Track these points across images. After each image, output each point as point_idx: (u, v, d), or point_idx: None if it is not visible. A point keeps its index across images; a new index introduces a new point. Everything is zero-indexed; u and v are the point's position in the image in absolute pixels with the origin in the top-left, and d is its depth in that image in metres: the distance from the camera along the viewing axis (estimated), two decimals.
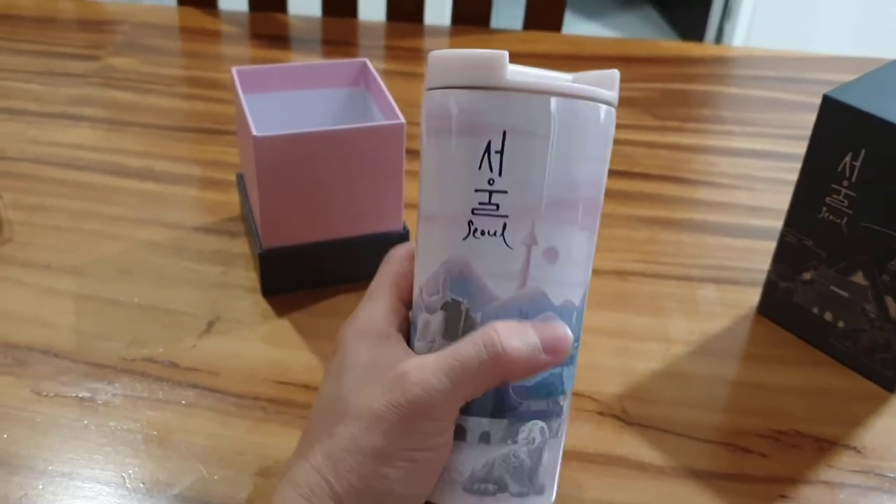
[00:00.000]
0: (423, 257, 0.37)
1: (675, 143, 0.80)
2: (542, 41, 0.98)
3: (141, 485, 0.46)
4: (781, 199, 0.72)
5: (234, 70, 0.60)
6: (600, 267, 0.64)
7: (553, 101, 0.33)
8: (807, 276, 0.56)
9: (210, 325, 0.57)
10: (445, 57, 0.35)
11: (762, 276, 0.61)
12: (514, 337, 0.34)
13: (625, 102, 0.86)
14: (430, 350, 0.36)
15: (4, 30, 0.94)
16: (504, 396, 0.35)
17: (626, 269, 0.64)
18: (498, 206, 0.34)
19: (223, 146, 0.75)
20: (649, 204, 0.71)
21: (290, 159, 0.54)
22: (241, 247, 0.64)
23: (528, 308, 0.35)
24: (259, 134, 0.53)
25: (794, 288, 0.58)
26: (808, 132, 0.82)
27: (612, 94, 0.36)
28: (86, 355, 0.54)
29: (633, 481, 0.48)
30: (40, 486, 0.45)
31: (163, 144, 0.75)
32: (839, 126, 0.51)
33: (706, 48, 1.03)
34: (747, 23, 2.64)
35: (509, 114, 0.34)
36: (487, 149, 0.34)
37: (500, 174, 0.34)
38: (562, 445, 0.38)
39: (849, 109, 0.51)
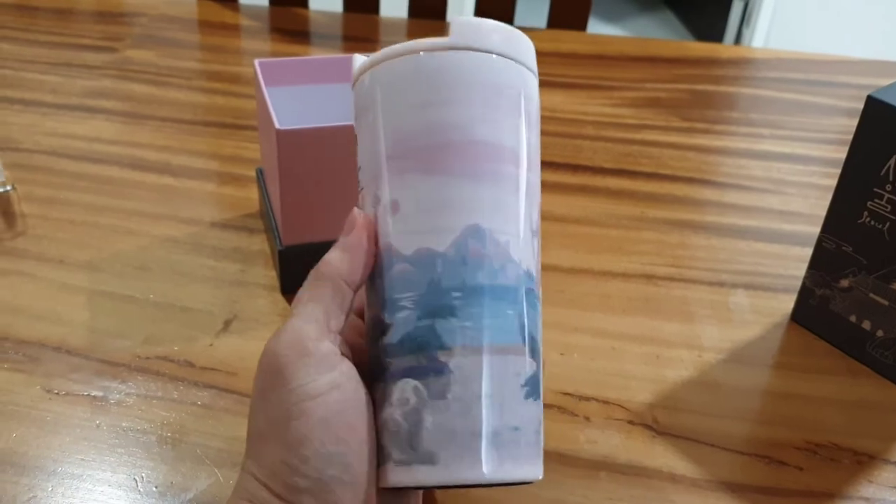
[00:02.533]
0: None
1: (703, 145, 0.78)
2: (567, 40, 0.96)
3: (154, 488, 0.44)
4: (814, 204, 0.70)
5: (256, 62, 0.58)
6: (629, 271, 0.62)
7: (366, 76, 0.37)
8: (845, 283, 0.54)
9: (227, 323, 0.55)
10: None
11: (795, 283, 0.59)
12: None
13: (651, 103, 0.84)
14: None
15: (21, 21, 0.93)
16: (376, 360, 0.35)
17: (657, 273, 0.62)
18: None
19: (242, 141, 0.74)
20: (678, 207, 0.69)
21: (313, 154, 0.53)
22: (260, 244, 0.62)
23: (381, 264, 0.35)
24: (282, 127, 0.51)
25: (830, 295, 0.55)
26: (840, 136, 0.80)
27: (437, 42, 0.35)
28: (99, 353, 0.52)
29: (665, 493, 0.46)
30: (50, 488, 0.44)
31: (181, 138, 0.74)
32: (883, 128, 0.49)
33: (733, 49, 1.01)
34: (766, 27, 2.62)
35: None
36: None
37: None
38: (466, 411, 0.33)
39: (894, 111, 0.49)
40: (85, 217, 0.64)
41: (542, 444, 0.35)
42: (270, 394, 0.33)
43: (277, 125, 0.51)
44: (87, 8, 0.98)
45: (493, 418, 0.33)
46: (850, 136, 0.52)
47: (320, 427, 0.32)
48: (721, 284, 0.61)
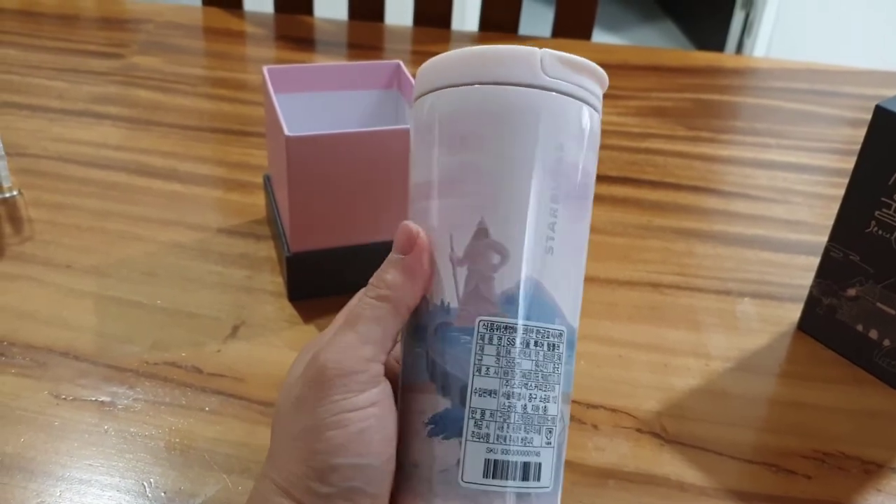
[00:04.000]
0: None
1: (709, 154, 0.78)
2: (572, 49, 0.95)
3: (162, 494, 0.44)
4: (820, 214, 0.70)
5: (265, 69, 0.58)
6: (635, 279, 0.62)
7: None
8: (852, 292, 0.54)
9: (235, 329, 0.55)
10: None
11: (802, 292, 0.59)
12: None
13: (656, 112, 0.84)
14: None
15: (26, 26, 0.93)
16: None
17: (663, 281, 0.62)
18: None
19: (249, 148, 0.74)
20: (684, 215, 0.69)
21: (322, 160, 0.53)
22: (267, 250, 0.62)
23: None
24: (291, 134, 0.51)
25: (837, 304, 0.56)
26: (846, 146, 0.80)
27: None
28: (107, 358, 0.52)
29: (673, 502, 0.46)
30: (58, 493, 0.44)
31: (187, 145, 0.74)
32: (891, 138, 0.50)
33: (737, 59, 1.01)
34: (768, 37, 2.63)
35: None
36: None
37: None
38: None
39: None
40: (92, 222, 0.64)
41: (452, 483, 0.33)
42: (310, 402, 0.33)
43: (287, 131, 0.51)
44: (91, 14, 0.98)
45: (399, 453, 0.34)
46: (856, 147, 0.52)
47: (356, 439, 0.32)
48: (728, 293, 0.61)
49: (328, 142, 0.52)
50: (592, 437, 0.49)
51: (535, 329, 0.33)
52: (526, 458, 0.33)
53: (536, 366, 0.33)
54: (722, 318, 0.59)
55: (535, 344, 0.33)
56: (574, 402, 0.51)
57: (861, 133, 0.81)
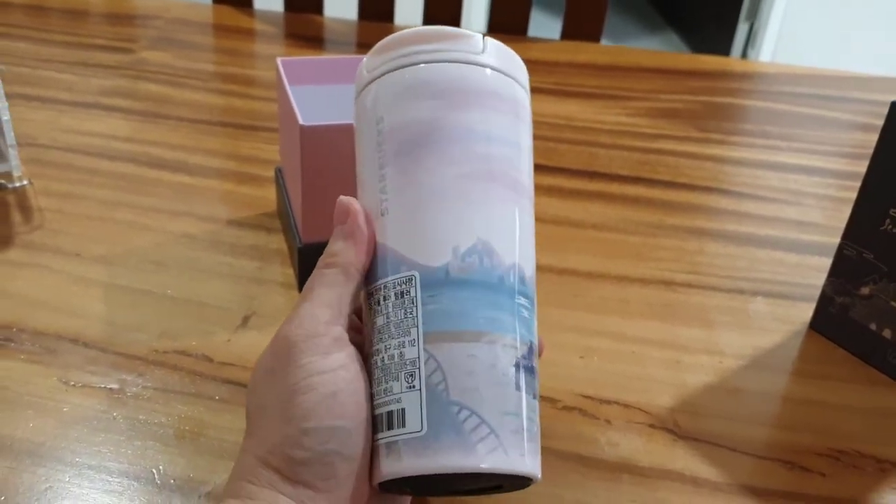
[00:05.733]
0: (532, 240, 0.38)
1: (719, 155, 0.78)
2: (581, 51, 0.96)
3: (172, 481, 0.44)
4: (831, 216, 0.70)
5: (279, 60, 0.58)
6: (647, 276, 0.61)
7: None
8: (865, 290, 0.54)
9: (245, 319, 0.55)
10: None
11: (814, 292, 0.59)
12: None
13: (667, 114, 0.84)
14: (536, 331, 0.38)
15: (35, 21, 0.93)
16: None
17: (675, 279, 0.61)
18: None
19: (259, 142, 0.74)
20: (696, 215, 0.69)
21: (335, 150, 0.53)
22: (278, 243, 0.62)
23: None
24: (306, 123, 0.51)
25: (850, 303, 0.55)
26: (857, 150, 0.80)
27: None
28: (116, 346, 0.52)
29: (687, 497, 0.45)
30: (66, 479, 0.43)
31: (197, 138, 0.74)
32: None
33: (746, 64, 1.01)
34: (772, 49, 2.63)
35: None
36: None
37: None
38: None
39: None
40: (101, 212, 0.64)
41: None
42: (279, 372, 0.34)
43: (301, 121, 0.51)
44: (99, 10, 0.98)
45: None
46: (867, 150, 0.52)
47: (326, 402, 0.33)
48: (740, 292, 0.61)
49: (342, 131, 0.52)
50: (605, 433, 0.49)
51: (380, 286, 0.36)
52: (388, 408, 0.34)
53: (387, 318, 0.35)
54: (734, 316, 0.59)
55: (384, 299, 0.36)
56: (587, 397, 0.51)
57: (871, 137, 0.81)
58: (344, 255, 0.36)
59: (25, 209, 0.63)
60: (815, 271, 0.63)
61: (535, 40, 0.99)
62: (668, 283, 0.61)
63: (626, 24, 3.24)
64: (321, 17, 1.01)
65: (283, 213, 0.61)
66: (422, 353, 0.34)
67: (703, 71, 0.94)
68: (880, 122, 0.51)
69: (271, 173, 0.68)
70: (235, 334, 0.54)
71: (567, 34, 1.02)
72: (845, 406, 0.52)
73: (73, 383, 0.49)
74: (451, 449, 0.33)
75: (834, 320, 0.57)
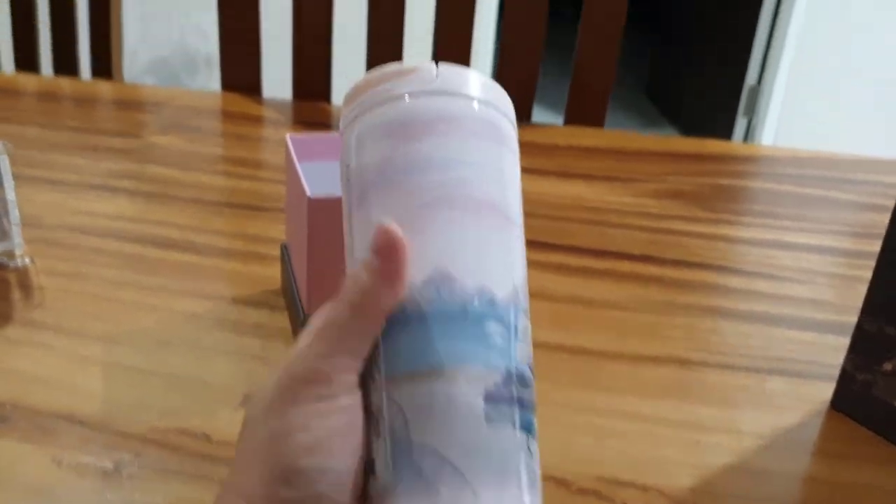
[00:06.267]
0: (511, 257, 0.35)
1: (729, 235, 0.77)
2: (586, 136, 0.97)
3: None
4: (845, 294, 0.69)
5: (288, 136, 0.58)
6: (661, 355, 0.60)
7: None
8: (888, 366, 0.53)
9: (247, 398, 0.53)
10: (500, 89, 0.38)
11: (832, 371, 0.57)
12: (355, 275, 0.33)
13: (674, 195, 0.84)
14: (528, 355, 0.35)
15: (46, 108, 0.95)
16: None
17: (690, 358, 0.60)
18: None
19: (266, 222, 0.73)
20: (708, 294, 0.68)
21: (342, 223, 0.52)
22: (282, 321, 0.61)
23: None
24: (314, 195, 0.51)
25: (873, 380, 0.54)
26: (868, 230, 0.80)
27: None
28: (113, 424, 0.50)
29: None
30: None
31: (204, 218, 0.73)
32: None
33: (749, 148, 1.02)
34: (770, 144, 2.67)
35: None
36: None
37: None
38: None
39: None
40: (105, 291, 0.63)
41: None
42: (277, 409, 0.32)
43: (309, 193, 0.51)
44: (109, 98, 0.99)
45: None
46: (876, 230, 0.51)
47: (324, 442, 0.31)
48: (756, 371, 0.59)
49: None
50: None
51: None
52: (368, 457, 0.33)
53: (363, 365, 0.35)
54: (752, 395, 0.57)
55: None
56: (602, 479, 0.49)
57: (879, 217, 0.81)
58: (375, 298, 0.32)
59: (26, 288, 0.63)
60: (832, 350, 0.62)
61: (539, 125, 0.99)
62: (683, 362, 0.60)
63: (627, 120, 3.30)
64: (329, 104, 1.02)
65: (288, 289, 0.60)
66: (384, 398, 0.33)
67: (708, 154, 0.94)
68: (887, 202, 0.50)
69: (276, 252, 0.68)
70: (236, 413, 0.52)
71: (570, 121, 1.03)
72: (871, 487, 0.50)
73: (65, 463, 0.47)
74: (412, 494, 0.31)
75: (856, 398, 0.55)
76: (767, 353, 0.61)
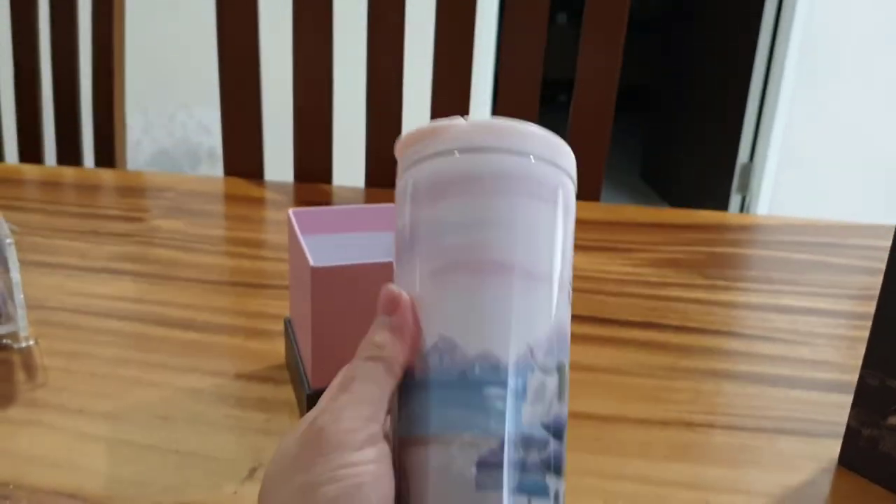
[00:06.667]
0: (527, 316, 0.35)
1: (727, 300, 0.78)
2: (581, 209, 0.97)
3: None
4: (846, 354, 0.69)
5: (290, 211, 0.59)
6: (667, 418, 0.60)
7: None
8: (893, 420, 0.52)
9: (252, 471, 0.53)
10: (560, 142, 0.38)
11: (838, 429, 0.57)
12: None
13: (671, 263, 0.85)
14: (545, 413, 0.34)
15: (50, 195, 0.96)
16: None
17: (695, 420, 0.60)
18: (571, 276, 0.38)
19: (269, 299, 0.74)
20: (710, 357, 0.68)
21: (346, 293, 0.53)
22: (286, 394, 0.61)
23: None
24: (317, 265, 0.51)
25: (879, 435, 0.53)
26: (864, 292, 0.80)
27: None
28: (116, 501, 0.50)
29: None
30: None
31: (206, 297, 0.74)
32: None
33: (741, 217, 1.03)
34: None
35: (573, 196, 0.38)
36: (573, 229, 0.38)
37: (571, 247, 0.38)
38: None
39: None
40: (107, 370, 0.63)
41: None
42: (304, 461, 0.32)
43: (312, 262, 0.52)
44: (111, 185, 1.01)
45: None
46: (873, 292, 0.52)
47: (352, 493, 0.31)
48: (763, 430, 0.59)
49: (352, 273, 0.52)
50: None
51: None
52: None
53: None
54: (759, 455, 0.56)
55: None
56: None
57: (875, 280, 0.82)
58: (391, 350, 0.34)
59: (30, 368, 0.63)
60: (836, 408, 0.61)
61: None
62: (689, 424, 0.59)
63: (620, 199, 3.34)
64: (330, 185, 1.04)
65: (292, 363, 0.60)
66: (396, 459, 0.34)
67: (702, 224, 0.96)
68: (881, 266, 0.51)
69: (280, 327, 0.68)
70: (242, 486, 0.51)
71: None
72: None
73: None
74: None
75: (863, 455, 0.54)
76: (773, 412, 0.61)
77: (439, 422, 0.33)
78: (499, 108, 1.05)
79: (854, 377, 0.54)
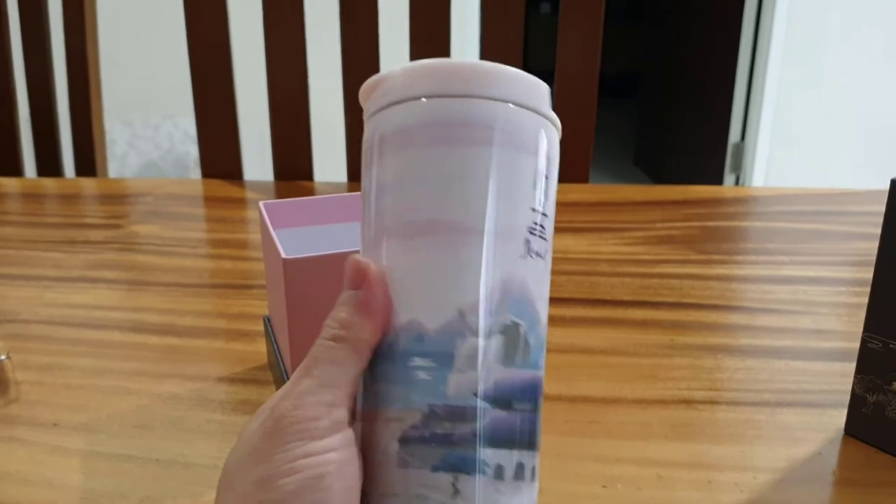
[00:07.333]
0: (458, 275, 0.31)
1: (724, 274, 0.76)
2: (571, 191, 0.96)
3: None
4: (848, 321, 0.67)
5: (261, 203, 0.57)
6: (666, 397, 0.57)
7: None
8: None
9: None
10: (510, 71, 0.33)
11: (843, 398, 0.55)
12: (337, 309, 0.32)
13: (664, 240, 0.82)
14: (481, 381, 0.31)
15: (29, 207, 0.94)
16: (540, 429, 0.33)
17: (695, 397, 0.57)
18: (544, 228, 0.33)
19: (250, 299, 0.72)
20: (708, 333, 0.66)
21: (320, 283, 0.50)
22: (270, 395, 0.58)
23: (546, 333, 0.34)
24: (289, 256, 0.49)
25: (884, 401, 0.51)
26: (862, 258, 0.78)
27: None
28: None
29: None
30: None
31: (185, 301, 0.72)
32: None
33: (736, 190, 1.01)
34: None
35: (554, 145, 0.34)
36: (541, 171, 0.33)
37: (545, 197, 0.33)
38: None
39: None
40: (82, 381, 0.61)
41: None
42: (263, 451, 0.30)
43: (283, 255, 0.49)
44: (91, 192, 0.99)
45: None
46: (873, 258, 0.50)
47: (312, 485, 0.29)
48: (765, 404, 0.57)
49: (325, 263, 0.50)
50: None
51: None
52: None
53: None
54: (763, 429, 0.54)
55: None
56: None
57: (872, 245, 0.79)
58: (357, 330, 0.31)
59: (1, 383, 0.60)
60: (841, 377, 0.59)
61: None
62: (689, 402, 0.57)
63: (611, 183, 3.31)
64: (311, 182, 1.01)
65: (274, 362, 0.58)
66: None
67: (696, 199, 0.94)
68: (878, 231, 0.49)
69: (261, 327, 0.66)
70: None
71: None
72: None
73: None
74: None
75: (869, 422, 0.52)
76: (775, 385, 0.59)
77: (371, 397, 0.32)
78: None
79: (858, 344, 0.52)
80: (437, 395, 0.31)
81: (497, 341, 0.31)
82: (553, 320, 0.68)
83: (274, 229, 0.57)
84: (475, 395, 0.31)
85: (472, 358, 0.31)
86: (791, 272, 0.76)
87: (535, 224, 0.33)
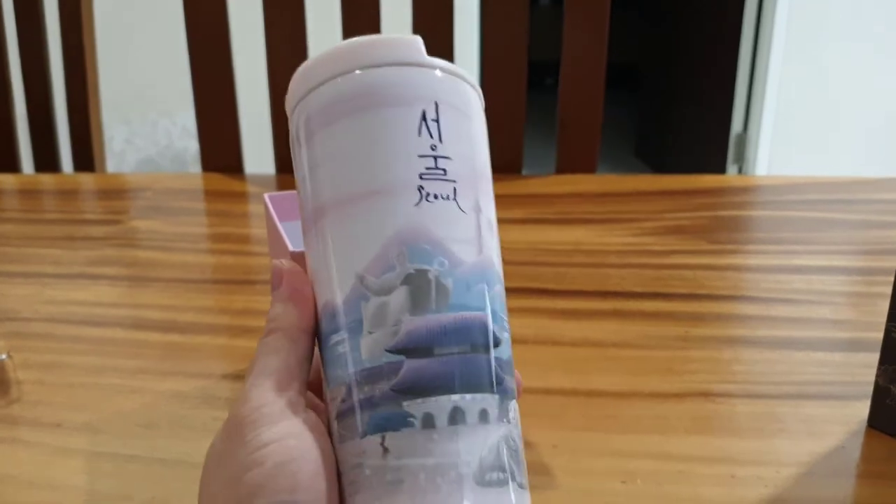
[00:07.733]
0: (355, 242, 0.32)
1: (738, 264, 0.74)
2: (580, 182, 0.94)
3: None
4: (867, 312, 0.65)
5: (266, 196, 0.55)
6: (683, 390, 0.56)
7: (469, 87, 0.36)
8: None
9: None
10: (362, 41, 0.35)
11: (865, 389, 0.53)
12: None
13: (675, 230, 0.81)
14: (391, 336, 0.31)
15: (27, 203, 0.93)
16: (491, 369, 0.32)
17: (713, 390, 0.56)
18: (445, 170, 0.33)
19: (254, 295, 0.70)
20: (724, 324, 0.64)
21: None
22: None
23: (486, 276, 0.33)
24: (297, 250, 0.48)
25: None
26: (880, 246, 0.76)
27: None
28: None
29: None
30: None
31: (188, 297, 0.70)
32: None
33: (745, 179, 0.99)
34: None
35: (439, 88, 0.34)
36: (423, 117, 0.33)
37: (440, 140, 0.33)
38: None
39: None
40: (84, 379, 0.59)
41: None
42: (227, 453, 0.30)
43: (291, 248, 0.48)
44: (90, 188, 0.97)
45: None
46: (891, 247, 0.48)
47: (276, 473, 0.29)
48: (787, 397, 0.55)
49: None
50: None
51: None
52: None
53: None
54: (784, 422, 0.53)
55: None
56: None
57: (887, 233, 0.78)
58: (284, 319, 0.34)
59: (2, 383, 0.59)
60: (863, 368, 0.58)
61: (532, 176, 0.97)
62: (707, 395, 0.56)
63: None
64: None
65: None
66: None
67: (705, 189, 0.92)
68: (891, 219, 0.47)
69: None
70: None
71: (561, 169, 1.01)
72: None
73: None
74: None
75: (893, 414, 0.51)
76: (796, 377, 0.57)
77: (324, 388, 0.33)
78: (486, 93, 1.01)
79: (879, 335, 0.51)
80: (356, 363, 0.31)
81: (402, 293, 0.31)
82: (566, 314, 0.66)
83: (280, 222, 0.55)
84: (388, 350, 0.31)
85: (378, 316, 0.31)
86: (804, 261, 0.74)
87: (429, 168, 0.33)
